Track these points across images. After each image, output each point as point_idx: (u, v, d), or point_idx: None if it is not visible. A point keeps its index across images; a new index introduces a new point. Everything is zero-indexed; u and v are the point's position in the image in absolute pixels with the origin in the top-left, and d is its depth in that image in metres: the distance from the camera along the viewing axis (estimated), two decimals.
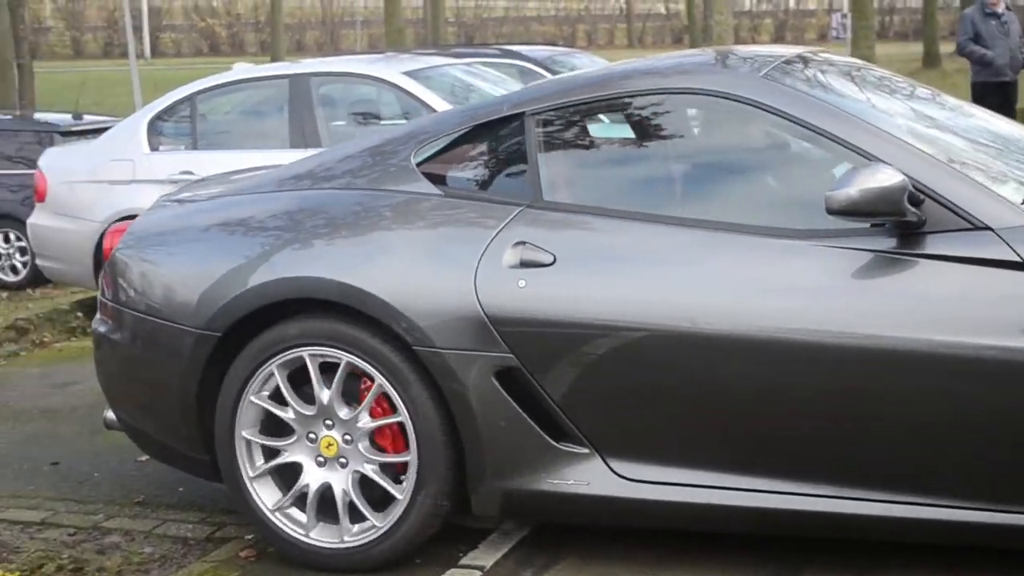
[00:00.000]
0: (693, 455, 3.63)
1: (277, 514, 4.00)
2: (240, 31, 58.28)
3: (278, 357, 3.90)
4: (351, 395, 3.90)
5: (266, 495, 4.01)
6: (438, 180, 4.08)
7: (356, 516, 3.93)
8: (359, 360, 3.81)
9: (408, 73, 8.55)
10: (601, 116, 4.22)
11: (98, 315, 4.55)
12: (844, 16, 28.75)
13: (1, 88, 21.18)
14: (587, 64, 13.20)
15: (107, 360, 4.50)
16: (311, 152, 6.10)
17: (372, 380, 3.82)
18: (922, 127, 4.06)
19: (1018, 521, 3.30)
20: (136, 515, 4.33)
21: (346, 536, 3.93)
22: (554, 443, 3.71)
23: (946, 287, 3.38)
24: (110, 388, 4.52)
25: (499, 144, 4.17)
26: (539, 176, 3.93)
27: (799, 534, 3.66)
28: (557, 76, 5.28)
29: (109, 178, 8.22)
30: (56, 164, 9.13)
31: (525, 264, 3.69)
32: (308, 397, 3.93)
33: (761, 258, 3.57)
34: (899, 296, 3.42)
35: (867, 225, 3.41)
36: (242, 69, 9.72)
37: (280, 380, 3.92)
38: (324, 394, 3.88)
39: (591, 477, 3.69)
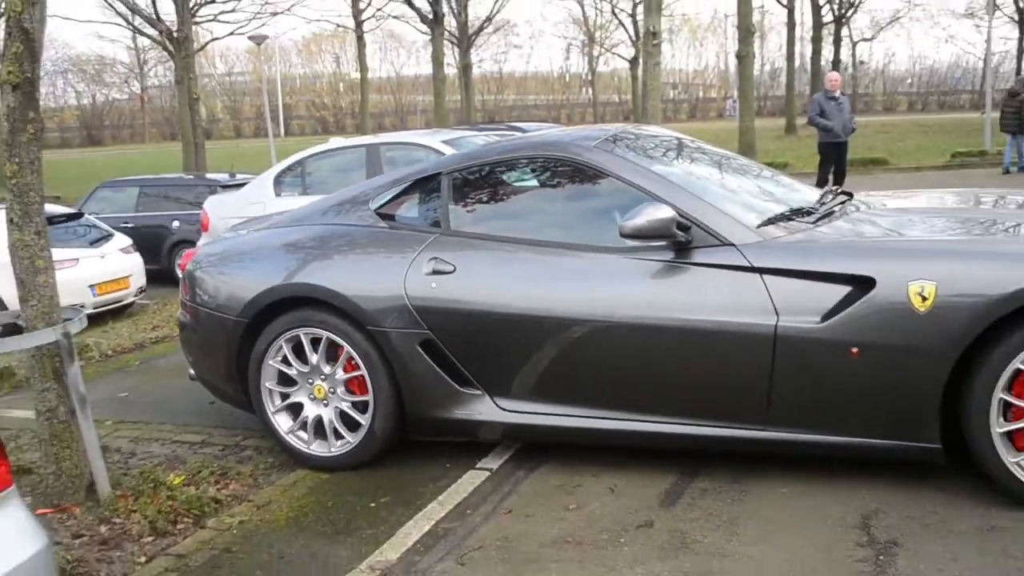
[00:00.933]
0: (550, 394, 3.85)
1: (290, 435, 4.23)
2: (342, 118, 58.75)
3: (284, 335, 4.14)
4: (332, 358, 4.11)
5: (282, 423, 4.26)
6: (388, 218, 4.32)
7: (338, 435, 4.15)
8: (335, 336, 4.05)
9: (445, 141, 8.80)
10: (491, 174, 4.31)
11: (180, 311, 4.77)
12: (734, 100, 28.77)
13: (185, 158, 22.68)
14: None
15: (187, 339, 4.72)
16: None
17: (343, 348, 4.04)
18: (698, 174, 4.27)
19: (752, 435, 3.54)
20: (263, 436, 4.50)
21: (332, 448, 4.16)
22: (458, 387, 3.97)
23: (707, 284, 3.56)
24: (189, 355, 4.73)
25: (427, 193, 4.33)
26: (448, 214, 4.17)
27: (619, 445, 3.92)
28: (468, 148, 5.38)
29: (249, 215, 8.39)
30: (215, 206, 9.33)
31: (436, 272, 3.95)
32: (305, 360, 4.14)
33: (592, 266, 3.77)
34: (678, 290, 3.61)
35: (655, 244, 3.59)
36: (335, 141, 9.85)
37: (287, 350, 4.16)
38: (314, 358, 4.12)
39: (483, 409, 3.95)
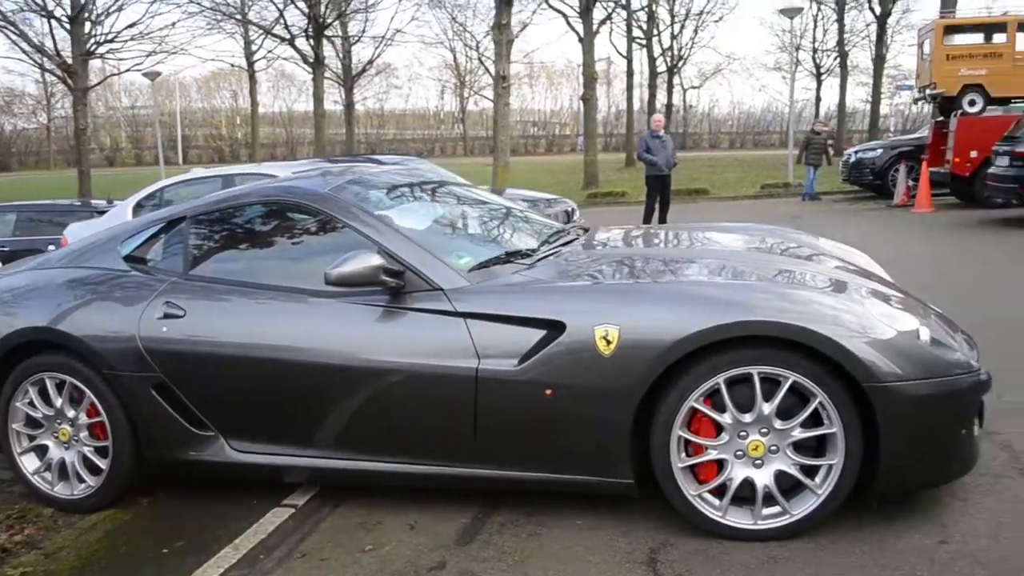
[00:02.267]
0: (277, 435, 3.42)
1: (35, 476, 3.72)
2: (237, 149, 56.63)
3: (30, 378, 3.63)
4: (76, 402, 3.61)
5: (28, 464, 3.74)
6: (137, 260, 3.80)
7: (80, 479, 3.63)
8: (76, 380, 3.55)
9: (296, 172, 8.02)
10: (229, 219, 3.81)
11: None
12: (583, 137, 29.02)
13: (80, 185, 20.92)
14: (420, 166, 12.30)
15: None
16: None
17: (85, 392, 3.53)
18: (426, 218, 3.89)
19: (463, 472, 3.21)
20: None
21: (75, 490, 3.66)
22: (193, 429, 3.49)
23: (418, 329, 3.19)
24: None
25: (172, 237, 3.83)
26: (187, 258, 3.69)
27: (335, 483, 3.54)
28: (217, 192, 4.86)
29: None
30: (76, 232, 8.54)
31: (168, 316, 3.47)
32: (50, 404, 3.65)
33: (313, 309, 3.35)
34: (392, 334, 3.24)
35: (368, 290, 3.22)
36: (196, 171, 9.19)
37: (33, 394, 3.66)
38: (58, 401, 3.63)
39: (216, 450, 3.48)
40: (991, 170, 12.16)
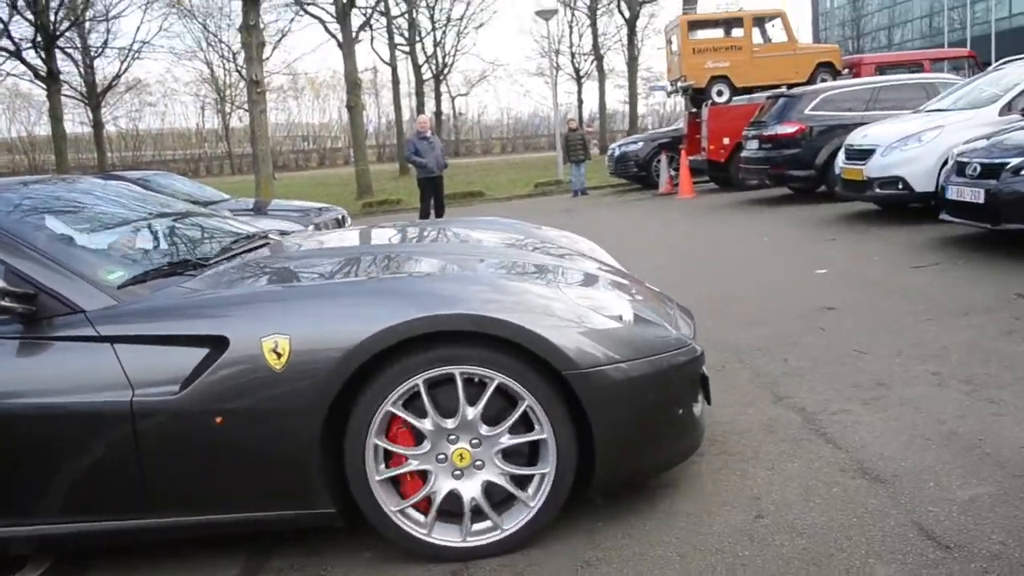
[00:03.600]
0: None
1: None
2: None
3: None
4: None
5: None
6: None
7: None
8: None
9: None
10: None
11: None
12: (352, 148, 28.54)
13: None
14: (169, 183, 11.18)
15: None
16: None
17: None
18: (73, 228, 3.16)
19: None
20: None
21: None
22: None
23: (61, 360, 2.57)
24: None
25: None
26: None
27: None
28: None
29: None
30: None
31: None
32: None
33: None
34: (31, 370, 2.57)
35: None
36: None
37: None
38: None
39: None
40: (743, 154, 12.92)
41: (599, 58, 41.53)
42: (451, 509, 2.62)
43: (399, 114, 37.38)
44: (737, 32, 15.86)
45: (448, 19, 41.11)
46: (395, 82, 36.24)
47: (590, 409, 2.54)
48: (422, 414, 2.56)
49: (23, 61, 24.40)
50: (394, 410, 2.54)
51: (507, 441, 2.60)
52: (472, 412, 2.57)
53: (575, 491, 2.65)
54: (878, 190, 8.78)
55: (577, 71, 45.50)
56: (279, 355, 2.46)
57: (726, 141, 14.55)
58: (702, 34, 16.11)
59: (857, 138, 9.44)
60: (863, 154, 9.04)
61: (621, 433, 2.61)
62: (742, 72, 15.25)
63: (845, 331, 4.80)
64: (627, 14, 36.19)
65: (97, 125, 32.64)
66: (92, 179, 4.28)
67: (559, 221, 12.15)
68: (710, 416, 3.70)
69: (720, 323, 5.20)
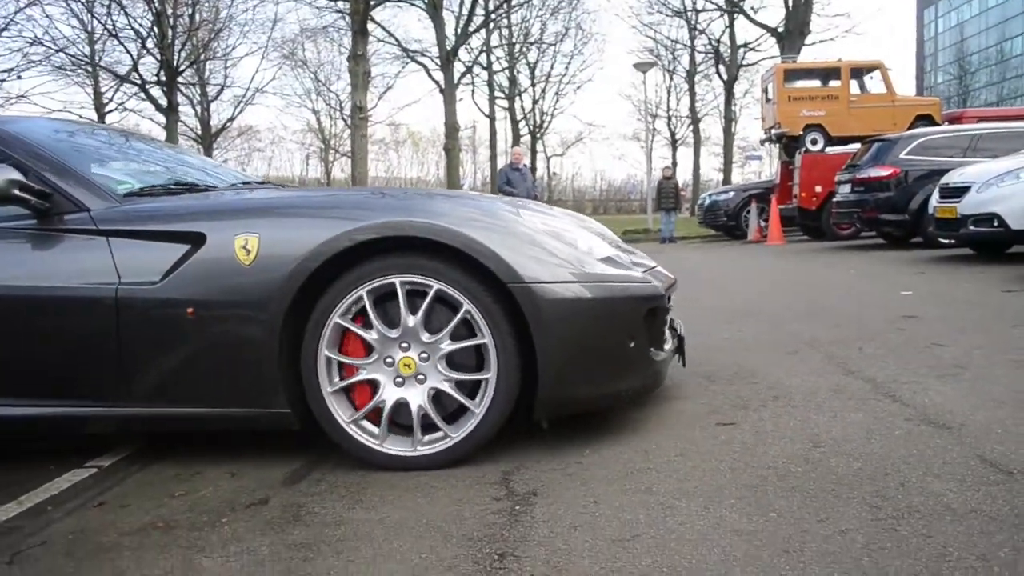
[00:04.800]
0: None
1: None
2: None
3: None
4: None
5: None
6: None
7: None
8: None
9: None
10: None
11: None
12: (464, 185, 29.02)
13: None
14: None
15: None
16: None
17: None
18: (102, 154, 3.54)
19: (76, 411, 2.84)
20: None
21: None
22: None
23: (60, 250, 2.87)
24: None
25: None
26: None
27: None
28: None
29: None
30: None
31: None
32: None
33: None
34: (34, 258, 2.90)
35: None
36: None
37: None
38: None
39: None
40: (835, 199, 12.73)
41: (695, 121, 41.68)
42: (405, 423, 2.70)
43: (494, 165, 38.14)
44: (834, 82, 15.79)
45: (548, 77, 41.98)
46: (492, 132, 37.23)
47: (532, 322, 2.59)
48: (369, 326, 2.68)
49: (147, 94, 26.00)
50: (342, 322, 2.67)
51: (447, 347, 2.67)
52: (413, 320, 2.66)
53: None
54: (972, 227, 8.53)
55: (673, 135, 45.71)
56: (248, 252, 2.66)
57: (818, 189, 14.40)
58: (799, 83, 16.09)
59: (954, 177, 9.24)
60: (958, 192, 8.84)
61: (565, 352, 2.64)
62: (837, 122, 15.14)
63: (925, 332, 4.69)
64: (725, 76, 36.29)
65: None
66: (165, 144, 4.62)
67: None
68: (776, 379, 3.69)
69: (802, 326, 5.17)
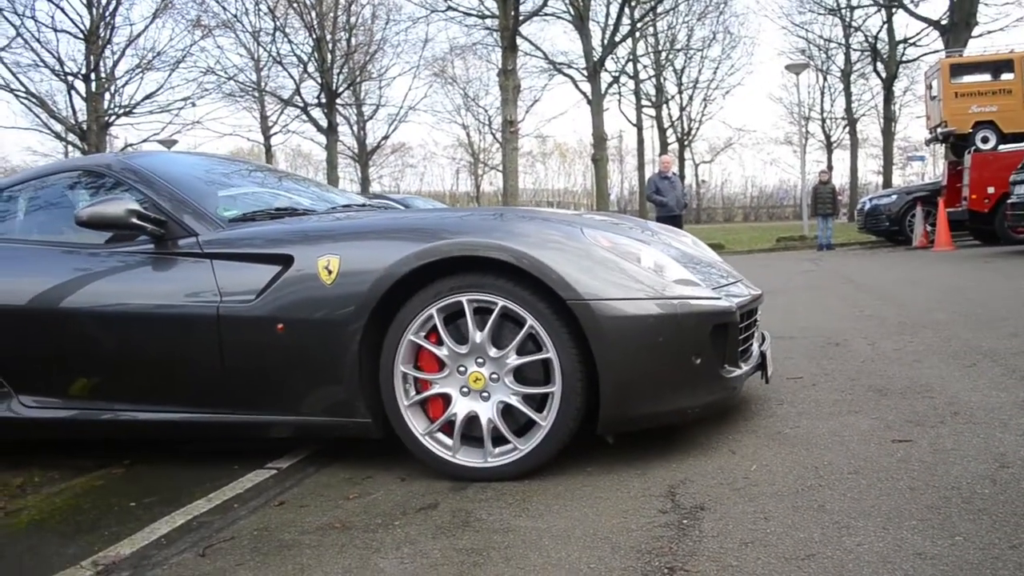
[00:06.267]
0: (60, 388, 3.29)
1: None
2: None
3: None
4: None
5: None
6: None
7: None
8: None
9: None
10: (41, 189, 3.71)
11: None
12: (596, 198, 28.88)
13: None
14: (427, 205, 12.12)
15: None
16: None
17: None
18: (217, 184, 3.75)
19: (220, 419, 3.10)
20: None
21: None
22: None
23: (171, 272, 3.16)
24: None
25: None
26: None
27: (123, 436, 3.42)
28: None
29: None
30: None
31: None
32: None
33: (77, 260, 3.31)
34: (149, 280, 3.19)
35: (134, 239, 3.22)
36: None
37: None
38: None
39: (12, 407, 3.33)
40: (1011, 200, 11.86)
41: (852, 123, 39.75)
42: (477, 435, 2.78)
43: (642, 172, 37.84)
44: (1007, 75, 14.75)
45: (695, 83, 41.29)
46: (639, 141, 36.92)
47: (591, 337, 2.60)
48: (440, 342, 2.78)
49: (309, 116, 27.44)
50: (416, 339, 2.79)
51: (514, 361, 2.72)
52: (480, 336, 2.73)
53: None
54: None
55: (828, 137, 43.86)
56: (330, 272, 2.85)
57: (991, 191, 13.47)
58: (967, 78, 15.12)
59: None
60: None
61: (626, 367, 2.63)
62: (1012, 117, 14.13)
63: None
64: (884, 74, 34.52)
65: (364, 182, 35.59)
66: (287, 174, 4.90)
67: (803, 268, 11.78)
68: (953, 393, 3.49)
69: (977, 336, 4.87)
